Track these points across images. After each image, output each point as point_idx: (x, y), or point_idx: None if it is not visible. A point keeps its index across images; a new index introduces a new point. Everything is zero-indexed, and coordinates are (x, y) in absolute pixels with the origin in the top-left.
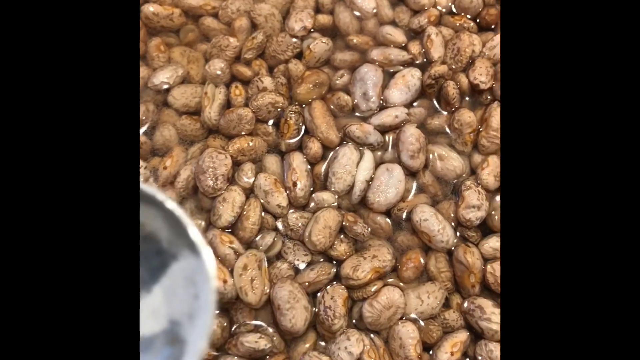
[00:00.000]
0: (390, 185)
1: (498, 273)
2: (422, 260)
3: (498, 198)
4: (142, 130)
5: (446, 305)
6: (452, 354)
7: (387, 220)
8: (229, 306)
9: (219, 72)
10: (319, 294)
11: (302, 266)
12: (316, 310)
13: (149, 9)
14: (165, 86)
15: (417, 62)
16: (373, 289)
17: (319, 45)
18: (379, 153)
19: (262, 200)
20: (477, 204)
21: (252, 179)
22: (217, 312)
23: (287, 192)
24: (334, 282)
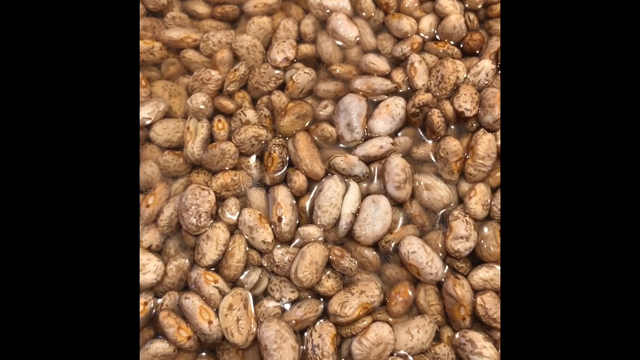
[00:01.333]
0: (376, 217)
1: (489, 305)
2: (411, 294)
3: (486, 228)
4: None
5: (437, 339)
6: None
7: (375, 253)
8: (216, 347)
9: (201, 106)
10: (306, 333)
11: (288, 305)
12: (304, 348)
13: None
14: (148, 121)
15: (401, 90)
16: (362, 325)
17: (302, 75)
18: (365, 184)
19: (247, 237)
20: (465, 234)
21: (237, 214)
22: (204, 353)
23: (273, 227)
24: (322, 319)
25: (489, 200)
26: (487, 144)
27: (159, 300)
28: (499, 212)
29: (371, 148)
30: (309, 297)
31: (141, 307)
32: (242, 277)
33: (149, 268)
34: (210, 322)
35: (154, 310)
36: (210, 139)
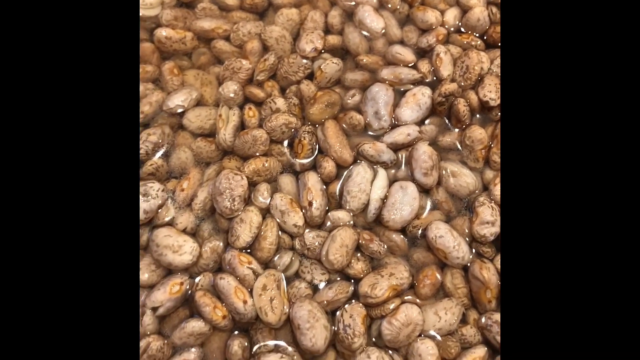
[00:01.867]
0: (404, 202)
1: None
2: (438, 277)
3: None
4: (159, 153)
5: (463, 321)
6: None
7: (403, 237)
8: (249, 326)
9: (232, 95)
10: (337, 313)
11: (320, 285)
12: (335, 328)
13: (161, 32)
14: (180, 109)
15: (427, 80)
16: (391, 306)
17: (330, 65)
18: (393, 171)
19: (278, 220)
20: (490, 219)
21: (269, 199)
22: (237, 332)
23: (303, 211)
24: (352, 301)
25: None
26: None
27: (195, 280)
28: None
29: (399, 136)
30: (339, 279)
31: (177, 287)
32: (274, 259)
33: (185, 249)
34: (245, 302)
35: (190, 291)
36: (242, 126)
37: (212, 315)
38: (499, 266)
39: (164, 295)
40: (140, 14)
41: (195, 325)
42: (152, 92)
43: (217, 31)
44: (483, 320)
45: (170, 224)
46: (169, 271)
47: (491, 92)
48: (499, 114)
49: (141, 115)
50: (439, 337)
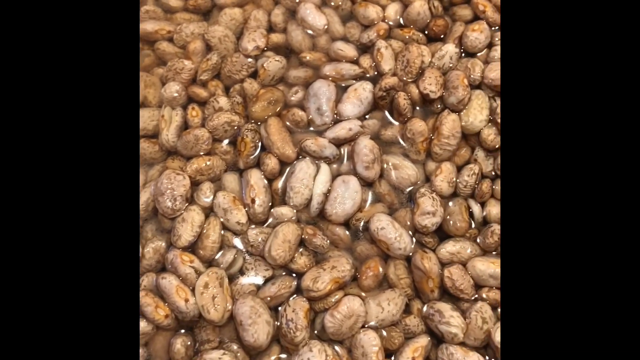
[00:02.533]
0: (347, 196)
1: (455, 277)
2: (381, 269)
3: (452, 204)
4: None
5: (407, 311)
6: (414, 359)
7: (346, 231)
8: (193, 325)
9: (175, 95)
10: (280, 308)
11: (262, 281)
12: (278, 323)
13: None
14: None
15: (369, 75)
16: (334, 299)
17: (273, 63)
18: (335, 166)
19: (221, 219)
20: (431, 210)
21: (211, 197)
22: (182, 331)
23: (246, 209)
24: (296, 295)
25: (454, 178)
26: (452, 123)
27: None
28: (464, 189)
29: (341, 131)
30: (283, 274)
31: None
32: (217, 257)
33: None
34: (186, 300)
35: None
36: (185, 126)
37: (155, 315)
38: (440, 256)
39: None
40: None
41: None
42: None
43: (160, 33)
44: (425, 309)
45: None
46: None
47: (431, 84)
48: (439, 106)
49: None
50: (382, 329)
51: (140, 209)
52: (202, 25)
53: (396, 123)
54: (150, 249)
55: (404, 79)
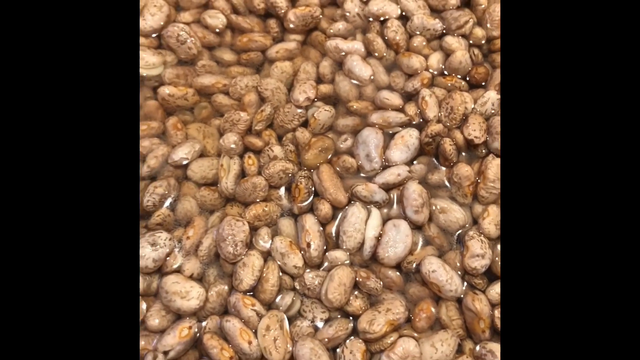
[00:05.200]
0: (398, 240)
1: None
2: (433, 310)
3: (500, 246)
4: (165, 203)
5: (459, 351)
6: None
7: (398, 273)
8: None
9: (232, 145)
10: (338, 349)
11: (321, 324)
12: None
13: (164, 90)
14: (185, 161)
15: (415, 122)
16: (389, 340)
17: (323, 113)
18: (385, 210)
19: (279, 263)
20: (480, 252)
21: (269, 242)
22: None
23: (302, 252)
24: (352, 337)
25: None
26: (496, 168)
27: (203, 324)
28: None
29: (389, 176)
30: (339, 316)
31: (186, 331)
32: (277, 300)
33: (192, 295)
34: (250, 343)
35: (198, 334)
36: (242, 174)
37: (220, 357)
38: (490, 297)
39: (173, 339)
40: (144, 74)
41: None
42: (157, 146)
43: (216, 86)
44: (478, 349)
45: (178, 270)
46: (178, 316)
47: (475, 130)
48: (484, 150)
49: (148, 169)
50: None
51: (202, 254)
52: (255, 78)
53: (443, 168)
54: (214, 292)
55: (448, 125)
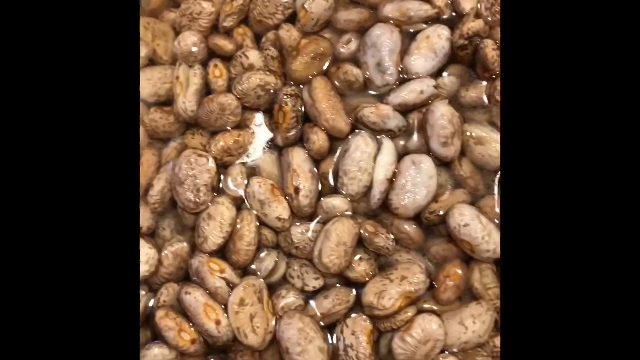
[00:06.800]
0: (418, 182)
1: None
2: (462, 276)
3: None
4: None
5: (496, 328)
6: None
7: (417, 227)
8: (227, 349)
9: (192, 49)
10: (336, 328)
11: (313, 295)
12: (333, 344)
13: None
14: None
15: (444, 17)
16: (404, 317)
17: (317, 3)
18: (402, 141)
19: (257, 213)
20: None
21: (244, 185)
22: (213, 358)
23: (288, 199)
24: (355, 312)
25: None
26: None
27: (156, 296)
28: None
29: (409, 94)
30: (337, 285)
31: None
32: (254, 264)
33: (140, 258)
34: (218, 322)
35: (151, 307)
36: (206, 90)
37: (178, 341)
38: None
39: None
40: None
41: (158, 353)
42: None
43: None
44: None
45: None
46: None
47: None
48: None
49: None
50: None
51: (154, 201)
52: None
53: (482, 82)
54: (169, 252)
55: (491, 20)
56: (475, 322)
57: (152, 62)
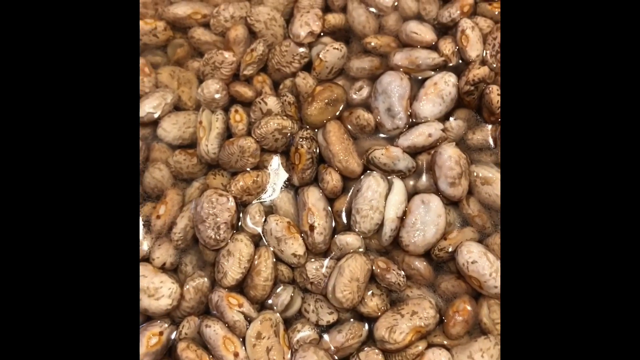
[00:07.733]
0: (427, 221)
1: None
2: (471, 311)
3: None
4: None
5: None
6: None
7: (427, 264)
8: None
9: (215, 95)
10: None
11: (327, 329)
12: None
13: None
14: (154, 116)
15: (451, 64)
16: (415, 351)
17: (331, 52)
18: (412, 182)
19: (274, 249)
20: None
21: (261, 223)
22: None
23: (304, 236)
24: (367, 346)
25: None
26: None
27: (176, 332)
28: None
29: (418, 137)
30: (351, 319)
31: (155, 339)
32: (271, 299)
33: (163, 292)
34: (236, 355)
35: (173, 340)
36: (227, 134)
37: None
38: None
39: (140, 349)
40: None
41: None
42: None
43: (194, 17)
44: None
45: (147, 259)
46: (146, 318)
47: None
48: None
49: None
50: None
51: (177, 239)
52: (244, 7)
53: (488, 125)
54: (191, 287)
55: (495, 67)
56: (484, 356)
57: (177, 107)
